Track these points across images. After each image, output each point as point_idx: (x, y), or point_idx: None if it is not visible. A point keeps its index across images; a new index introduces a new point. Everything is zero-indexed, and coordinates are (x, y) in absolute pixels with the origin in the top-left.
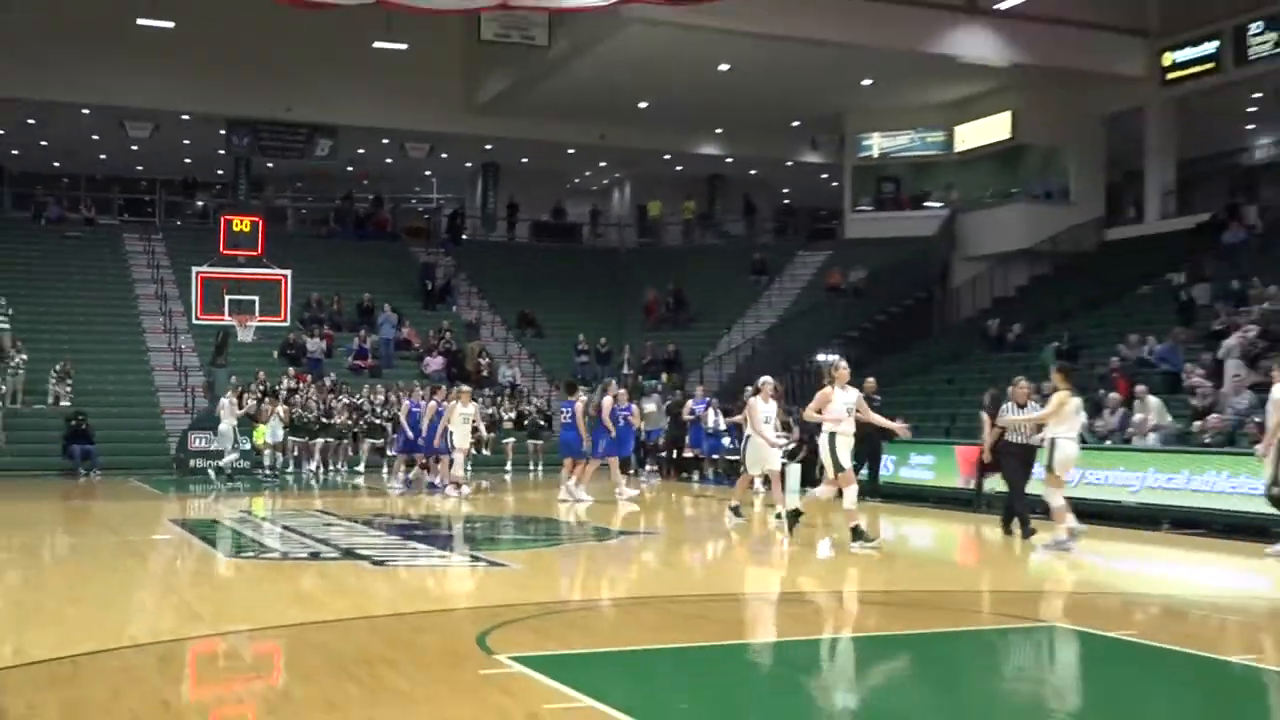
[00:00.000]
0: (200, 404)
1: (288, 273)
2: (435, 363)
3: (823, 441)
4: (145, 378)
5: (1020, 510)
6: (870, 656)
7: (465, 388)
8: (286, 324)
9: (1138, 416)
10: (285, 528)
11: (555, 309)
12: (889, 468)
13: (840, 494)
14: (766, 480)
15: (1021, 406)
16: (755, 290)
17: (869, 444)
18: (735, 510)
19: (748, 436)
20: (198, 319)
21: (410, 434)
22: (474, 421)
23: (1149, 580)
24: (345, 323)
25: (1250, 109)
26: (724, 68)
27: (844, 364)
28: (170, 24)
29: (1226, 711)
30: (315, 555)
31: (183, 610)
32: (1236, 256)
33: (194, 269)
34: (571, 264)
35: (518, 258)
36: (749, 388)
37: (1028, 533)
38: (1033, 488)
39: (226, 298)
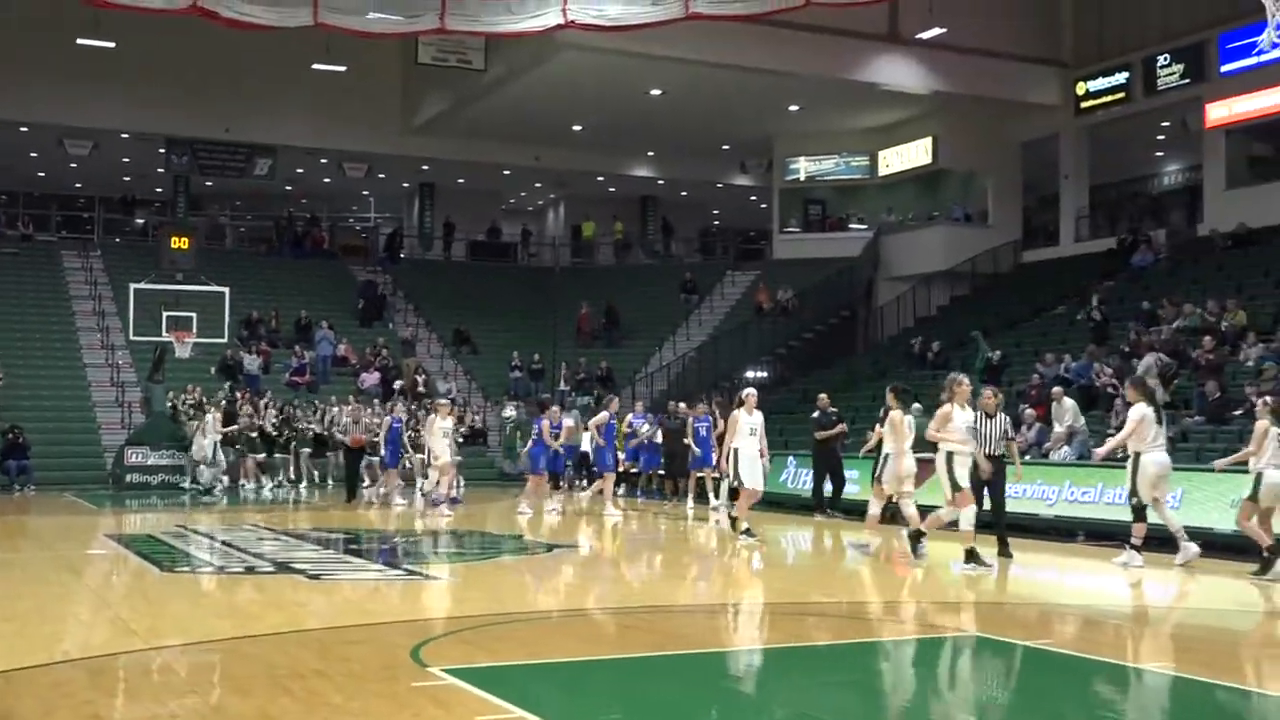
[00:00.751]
0: (137, 419)
1: (226, 290)
2: (371, 379)
3: (940, 461)
4: (82, 393)
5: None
6: (798, 666)
7: (443, 400)
8: (224, 341)
9: (1057, 429)
10: (222, 542)
11: (490, 326)
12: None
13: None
14: (733, 493)
15: (990, 416)
16: (686, 309)
17: (830, 460)
18: (747, 532)
19: (735, 450)
20: (134, 336)
21: (383, 449)
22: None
23: (1065, 591)
24: (283, 339)
25: (1159, 137)
26: (656, 92)
27: (965, 379)
28: (110, 44)
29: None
30: (251, 569)
31: (116, 625)
32: (1146, 278)
33: (132, 286)
34: (506, 282)
35: (453, 276)
36: (702, 399)
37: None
38: (1044, 507)
39: (164, 314)
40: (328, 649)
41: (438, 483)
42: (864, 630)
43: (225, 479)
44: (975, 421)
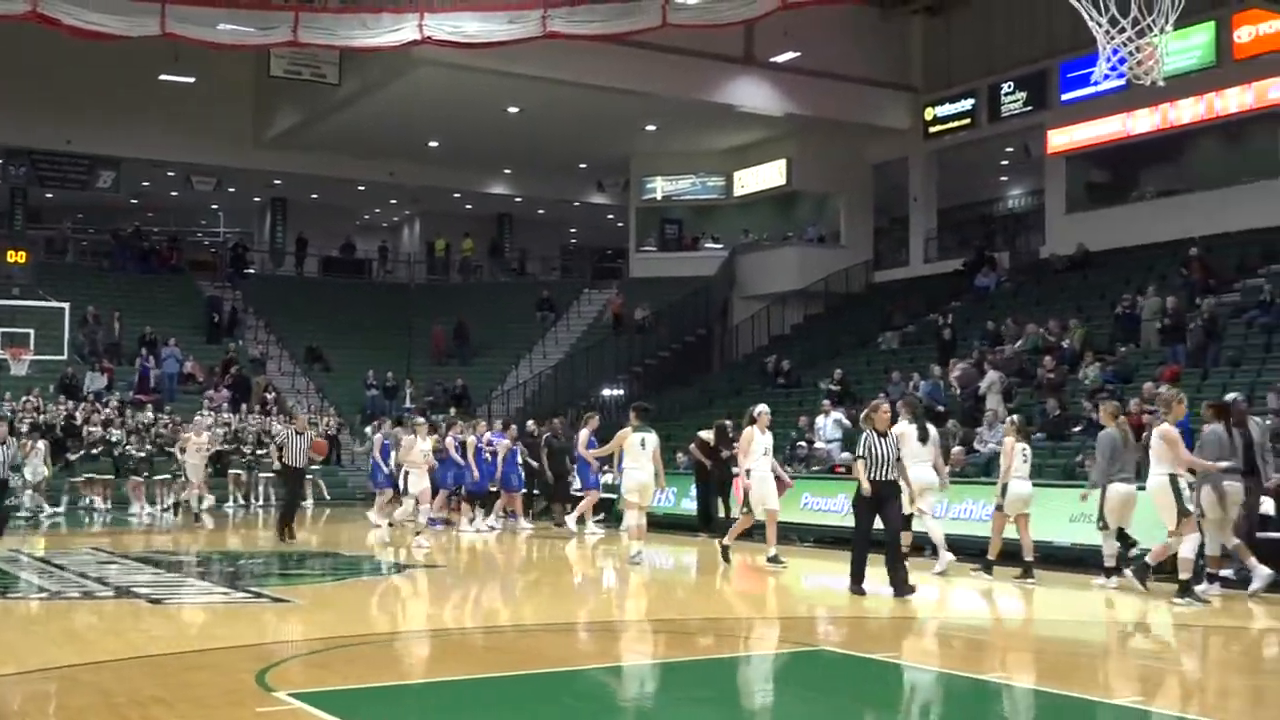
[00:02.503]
0: None
1: (65, 305)
2: (220, 396)
3: (1162, 485)
4: None
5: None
6: (656, 683)
7: (420, 420)
8: (64, 357)
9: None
10: (57, 566)
11: (343, 343)
12: (670, 499)
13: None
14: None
15: (883, 435)
16: (543, 326)
17: (720, 473)
18: (775, 559)
19: (748, 471)
20: None
21: (385, 469)
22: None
23: (908, 606)
24: (126, 356)
25: (1003, 162)
26: (513, 110)
27: (764, 408)
28: None
29: None
30: (89, 594)
31: None
32: (991, 298)
33: None
34: (360, 299)
35: (306, 292)
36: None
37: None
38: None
39: None
40: (169, 675)
41: (416, 508)
42: (717, 646)
43: (48, 506)
44: (865, 441)
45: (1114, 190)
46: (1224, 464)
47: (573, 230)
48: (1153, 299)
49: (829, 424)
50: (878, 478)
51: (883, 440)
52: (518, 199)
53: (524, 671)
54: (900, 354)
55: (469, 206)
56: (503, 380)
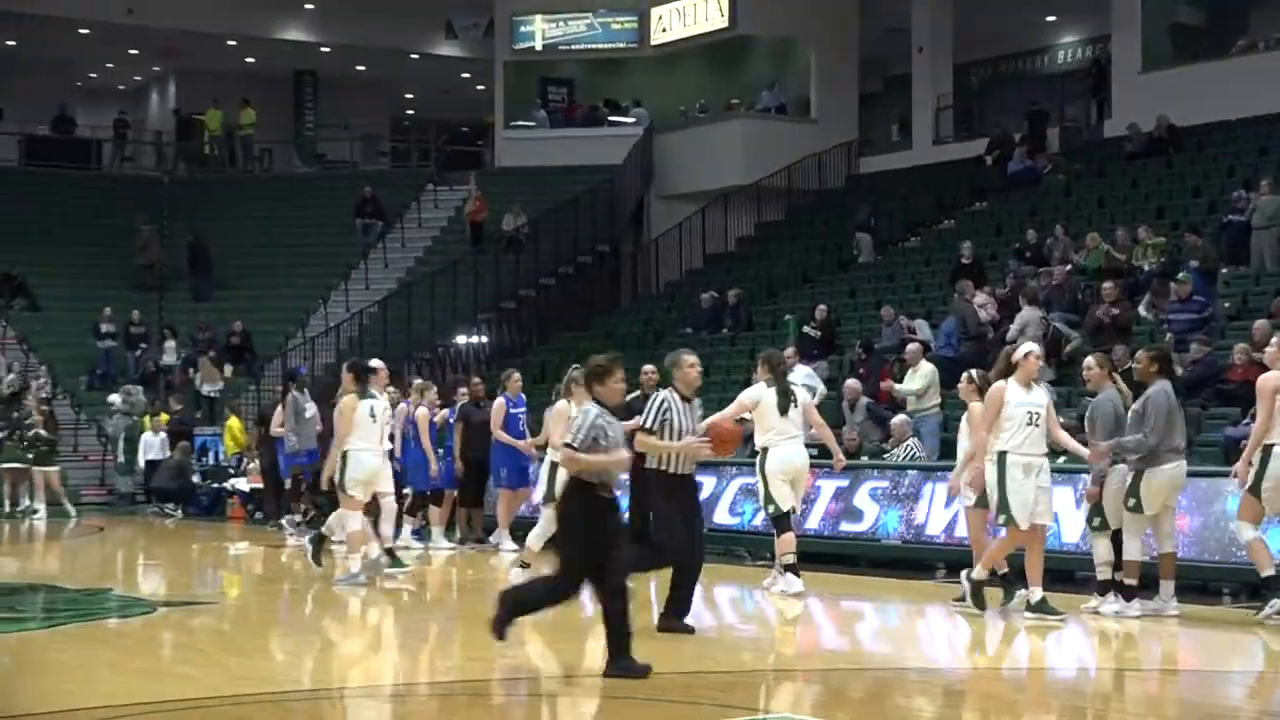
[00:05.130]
0: None
1: None
2: None
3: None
4: None
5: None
6: None
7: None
8: None
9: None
10: None
11: (60, 270)
12: None
13: None
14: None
15: (687, 400)
16: (364, 241)
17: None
18: (790, 568)
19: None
20: None
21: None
22: None
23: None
24: None
25: None
26: None
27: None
28: None
29: None
30: None
31: None
32: (1031, 197)
33: None
34: (85, 201)
35: None
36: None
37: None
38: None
39: None
40: None
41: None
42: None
43: None
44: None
45: (1212, 37)
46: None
47: (409, 97)
48: (1268, 197)
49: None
50: (678, 469)
51: (687, 406)
52: (324, 49)
53: None
54: (901, 277)
55: (250, 60)
56: (304, 322)
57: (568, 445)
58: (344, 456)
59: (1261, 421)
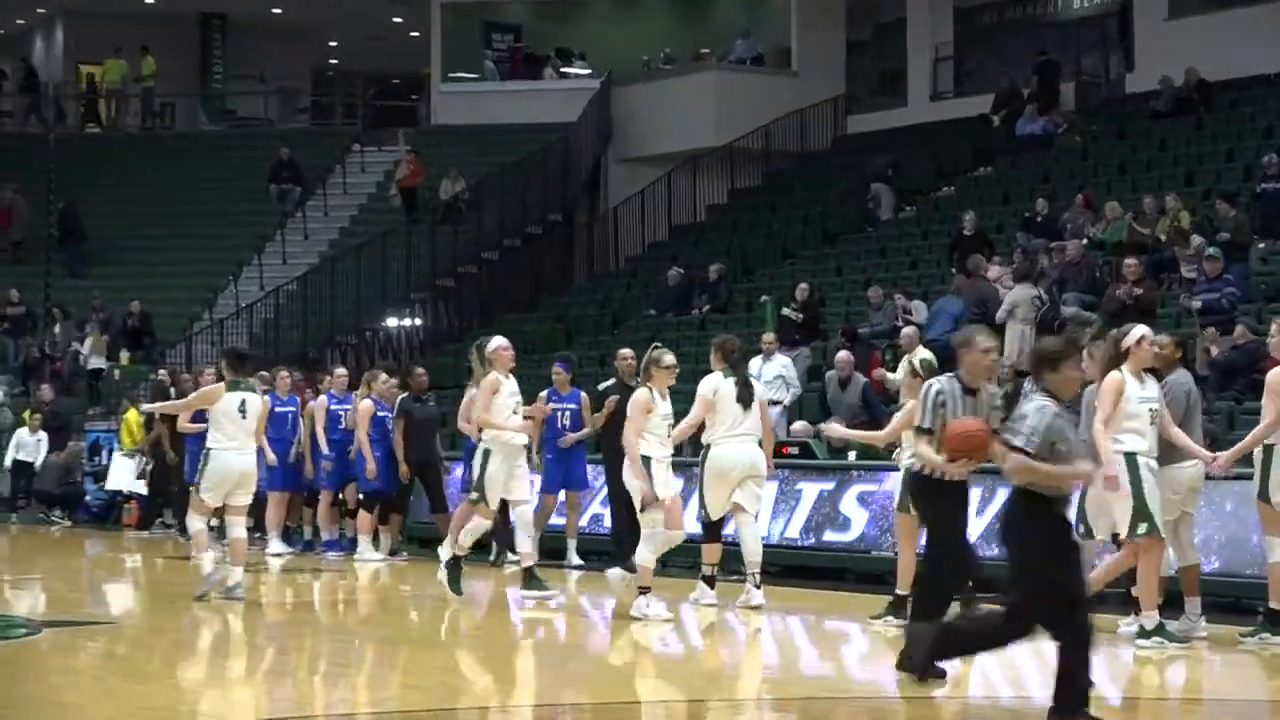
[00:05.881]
0: None
1: None
2: None
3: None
4: None
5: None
6: None
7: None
8: None
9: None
10: None
11: None
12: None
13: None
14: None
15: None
16: (280, 209)
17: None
18: (708, 580)
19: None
20: None
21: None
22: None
23: None
24: None
25: None
26: None
27: (668, 356)
28: None
29: None
30: None
31: None
32: (1042, 161)
33: None
34: None
35: None
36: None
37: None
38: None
39: None
40: None
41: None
42: None
43: None
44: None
45: None
46: None
47: (333, 44)
48: None
49: (773, 372)
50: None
51: (971, 400)
52: None
53: None
54: (894, 252)
55: (150, 3)
56: (211, 303)
57: (1019, 450)
58: (206, 455)
59: (1272, 420)
